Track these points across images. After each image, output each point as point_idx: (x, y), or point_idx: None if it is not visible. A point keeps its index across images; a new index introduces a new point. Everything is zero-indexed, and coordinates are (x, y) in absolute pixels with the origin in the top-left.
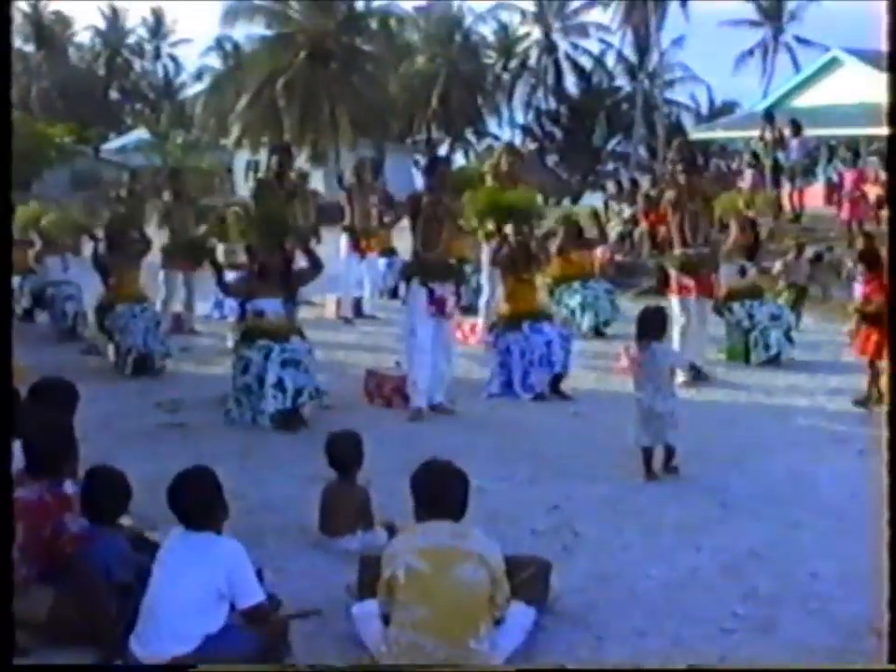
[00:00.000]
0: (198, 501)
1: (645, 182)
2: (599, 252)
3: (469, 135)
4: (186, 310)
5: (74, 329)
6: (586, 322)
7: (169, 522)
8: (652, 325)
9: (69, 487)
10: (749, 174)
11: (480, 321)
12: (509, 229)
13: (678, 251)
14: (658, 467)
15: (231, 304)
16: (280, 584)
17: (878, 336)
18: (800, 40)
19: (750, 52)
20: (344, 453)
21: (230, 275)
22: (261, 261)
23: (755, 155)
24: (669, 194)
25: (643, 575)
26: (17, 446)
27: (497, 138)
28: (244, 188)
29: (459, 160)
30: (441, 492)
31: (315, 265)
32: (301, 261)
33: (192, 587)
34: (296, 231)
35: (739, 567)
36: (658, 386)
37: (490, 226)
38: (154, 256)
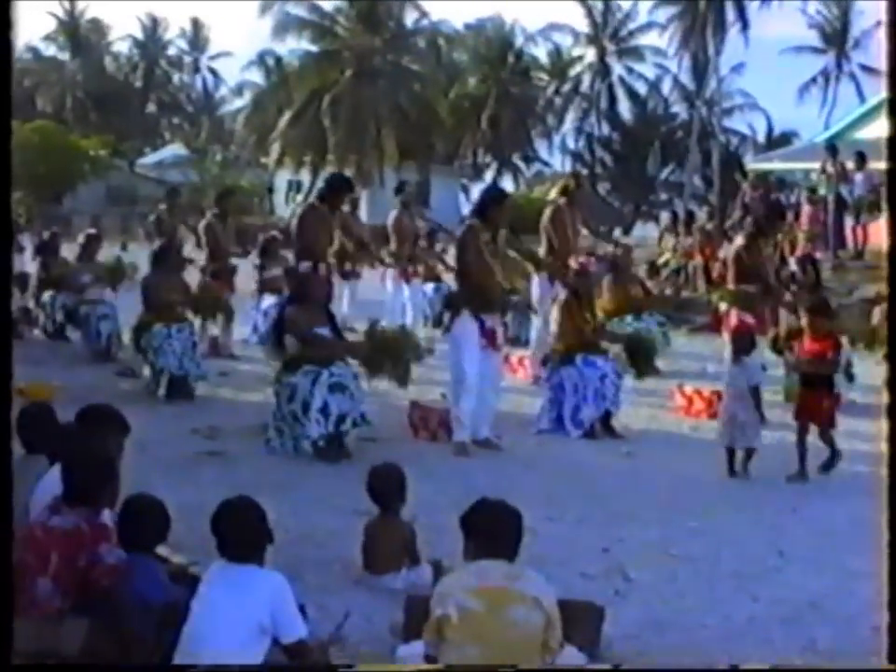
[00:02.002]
0: (242, 532)
1: (702, 214)
2: (653, 286)
3: (518, 160)
4: (224, 333)
5: (108, 350)
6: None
7: (206, 551)
8: (747, 342)
9: (106, 517)
10: (807, 208)
11: (530, 354)
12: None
13: (733, 286)
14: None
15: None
16: (321, 621)
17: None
18: (865, 68)
19: (813, 80)
20: (387, 487)
21: (269, 300)
22: (312, 289)
23: (812, 189)
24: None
25: (698, 624)
26: (57, 471)
27: (546, 164)
28: (283, 208)
29: (507, 185)
30: (495, 531)
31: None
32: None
33: (234, 621)
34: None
35: (798, 617)
36: (742, 396)
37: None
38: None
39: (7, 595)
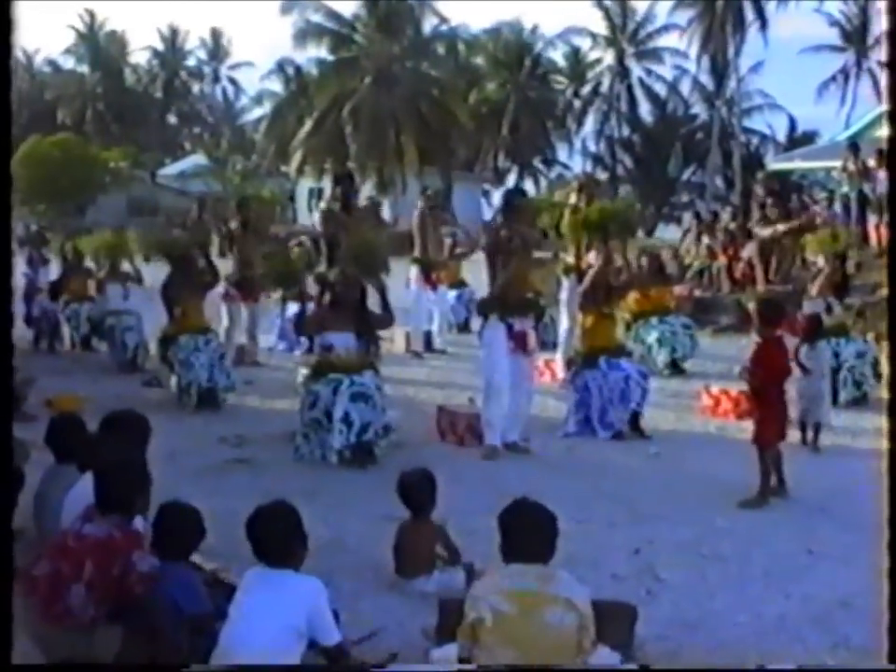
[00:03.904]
0: (278, 537)
1: (725, 215)
2: (677, 287)
3: (538, 164)
4: (249, 341)
5: (134, 361)
6: (662, 357)
7: (236, 558)
8: (818, 327)
9: (139, 524)
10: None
11: (558, 357)
12: (591, 258)
13: (761, 287)
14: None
15: (296, 337)
16: (355, 625)
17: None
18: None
19: (832, 79)
20: (418, 491)
21: (294, 307)
22: (335, 293)
23: (830, 189)
24: (765, 231)
25: (729, 623)
26: (87, 480)
27: (567, 167)
28: (306, 216)
29: (528, 189)
30: (531, 533)
31: (386, 310)
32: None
33: (271, 625)
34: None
35: (829, 616)
36: (823, 374)
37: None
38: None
39: (6, 594)
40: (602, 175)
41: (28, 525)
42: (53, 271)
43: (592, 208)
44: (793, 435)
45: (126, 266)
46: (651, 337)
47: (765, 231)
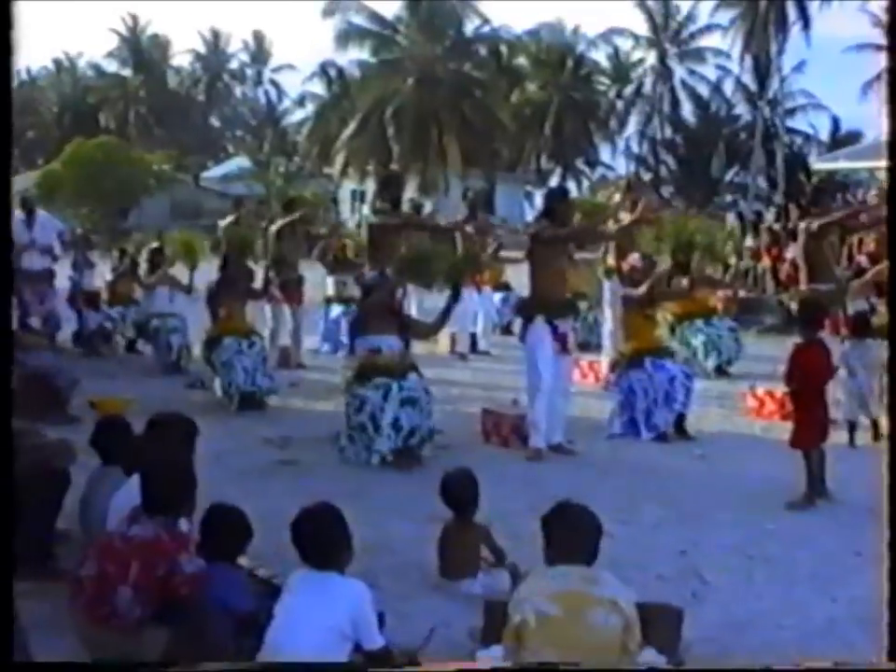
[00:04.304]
0: (323, 539)
1: (769, 215)
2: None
3: (581, 165)
4: (293, 344)
5: (178, 363)
6: (711, 361)
7: (281, 560)
8: (867, 323)
9: (185, 526)
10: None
11: (602, 359)
12: (633, 259)
13: (804, 287)
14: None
15: (340, 338)
16: (400, 627)
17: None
18: None
19: (877, 78)
20: (461, 492)
21: (337, 308)
22: (377, 296)
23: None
24: (813, 225)
25: (776, 625)
26: (133, 482)
27: (610, 168)
28: (349, 218)
29: (571, 190)
30: (574, 535)
31: (443, 316)
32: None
33: (316, 627)
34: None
35: (877, 618)
36: (864, 372)
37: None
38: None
39: (7, 590)
40: (645, 176)
41: (74, 527)
42: (98, 274)
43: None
44: (841, 436)
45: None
46: (697, 340)
47: (815, 224)
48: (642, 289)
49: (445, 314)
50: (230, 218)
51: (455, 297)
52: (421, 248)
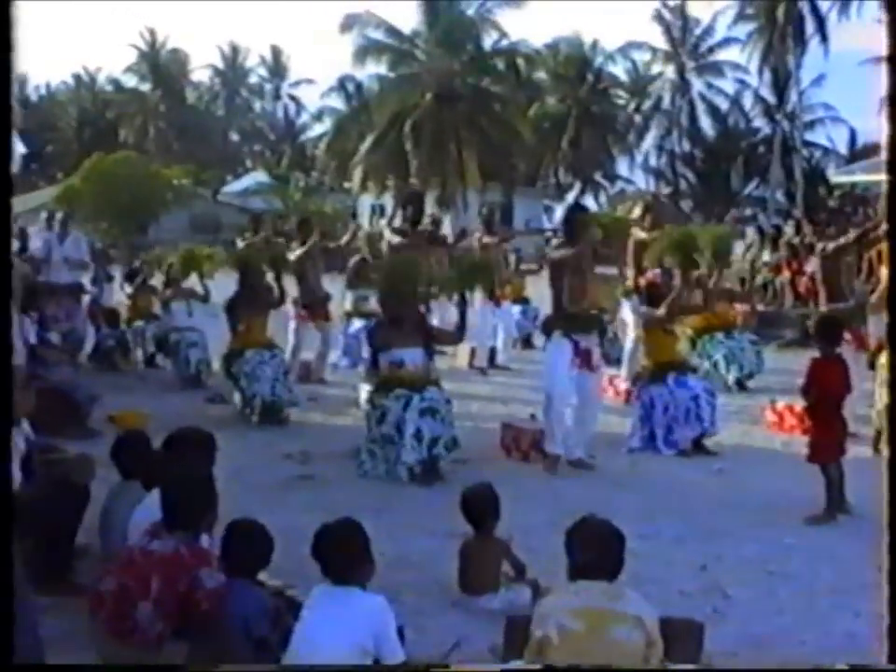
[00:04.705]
0: (344, 554)
1: (788, 229)
2: (739, 303)
3: (600, 178)
4: (317, 360)
5: (198, 377)
6: (732, 375)
7: (300, 575)
8: None
9: (205, 541)
10: None
11: (622, 373)
12: (651, 277)
13: (822, 305)
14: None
15: (360, 353)
16: (420, 642)
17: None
18: None
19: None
20: (481, 507)
21: (357, 323)
22: (396, 311)
23: None
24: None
25: (797, 641)
26: (153, 497)
27: (629, 181)
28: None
29: (590, 204)
30: (597, 550)
31: (460, 330)
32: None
33: (337, 643)
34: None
35: None
36: None
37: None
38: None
39: (7, 595)
40: (664, 190)
41: (93, 542)
42: (116, 289)
43: (687, 230)
44: (863, 451)
45: (191, 282)
46: (719, 354)
47: (830, 246)
48: (662, 310)
49: (462, 321)
50: (249, 234)
51: (464, 302)
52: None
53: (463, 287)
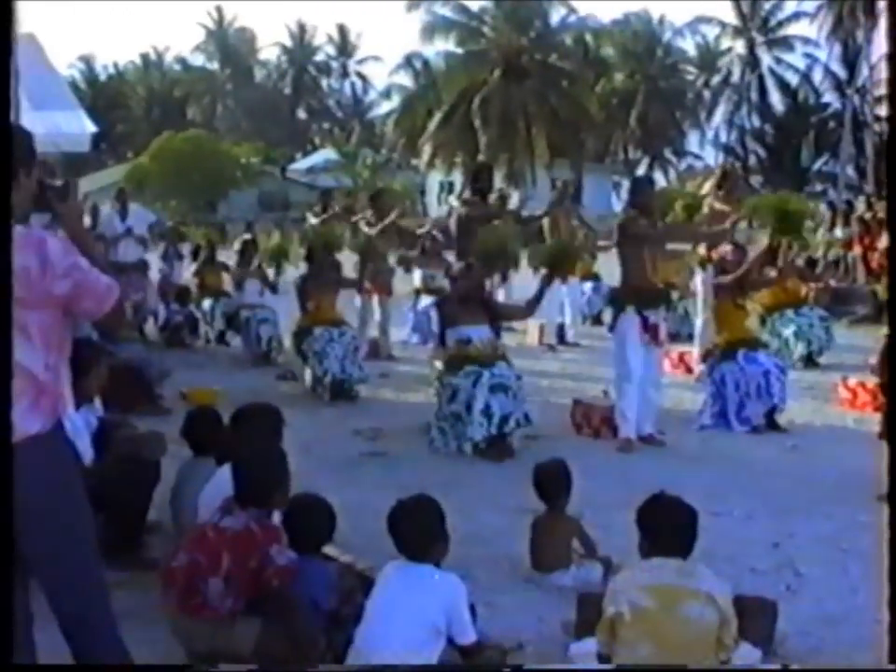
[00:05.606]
0: (420, 531)
1: (860, 204)
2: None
3: (669, 154)
4: (381, 335)
5: (268, 354)
6: (799, 351)
7: (371, 551)
8: None
9: (277, 518)
10: None
11: (694, 350)
12: (722, 251)
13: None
14: None
15: (430, 329)
16: (492, 619)
17: None
18: None
19: None
20: (553, 483)
21: (426, 300)
22: (462, 287)
23: None
24: None
25: (871, 619)
26: (225, 473)
27: (698, 157)
28: (436, 209)
29: (659, 180)
30: (670, 527)
31: (532, 305)
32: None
33: (411, 621)
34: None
35: None
36: None
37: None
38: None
39: (6, 594)
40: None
41: (164, 518)
42: (186, 266)
43: (771, 198)
44: None
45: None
46: (788, 330)
47: None
48: (732, 276)
49: (538, 298)
50: (317, 210)
51: (549, 281)
52: (500, 234)
53: (552, 265)
